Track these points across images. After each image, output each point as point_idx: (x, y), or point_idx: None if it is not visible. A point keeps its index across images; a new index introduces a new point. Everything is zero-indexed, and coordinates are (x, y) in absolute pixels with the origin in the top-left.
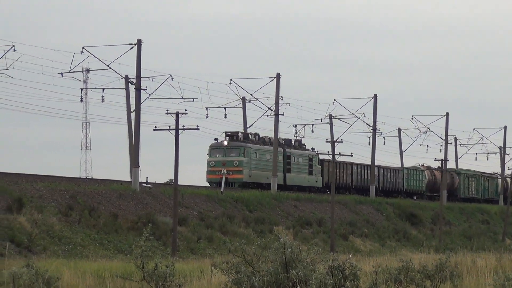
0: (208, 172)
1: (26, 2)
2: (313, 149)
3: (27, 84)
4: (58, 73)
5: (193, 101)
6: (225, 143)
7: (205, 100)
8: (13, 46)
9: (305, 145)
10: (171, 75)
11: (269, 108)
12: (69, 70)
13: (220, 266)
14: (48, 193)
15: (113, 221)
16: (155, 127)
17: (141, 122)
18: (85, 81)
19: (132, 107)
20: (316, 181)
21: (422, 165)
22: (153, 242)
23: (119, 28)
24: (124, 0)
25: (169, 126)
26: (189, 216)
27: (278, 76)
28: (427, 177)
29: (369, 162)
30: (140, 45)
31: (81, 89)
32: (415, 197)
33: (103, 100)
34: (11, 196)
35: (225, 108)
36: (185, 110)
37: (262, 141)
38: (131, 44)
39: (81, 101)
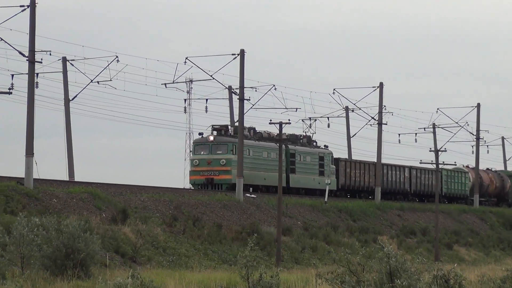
0: (191, 173)
1: (129, 14)
2: (326, 146)
3: (130, 95)
4: (161, 84)
5: (296, 111)
6: (211, 138)
7: (308, 109)
8: (117, 57)
9: (316, 142)
10: (274, 85)
11: (372, 118)
12: (173, 80)
13: (325, 276)
14: (153, 204)
15: (217, 231)
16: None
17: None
18: (188, 92)
19: (236, 117)
20: (329, 183)
21: (467, 166)
22: (258, 252)
23: (222, 39)
24: (228, 10)
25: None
26: (293, 226)
27: (381, 85)
28: (471, 180)
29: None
30: (243, 55)
31: (185, 100)
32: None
33: (206, 111)
34: (115, 207)
35: (328, 117)
36: (288, 120)
37: (260, 136)
38: (234, 54)
39: (185, 111)
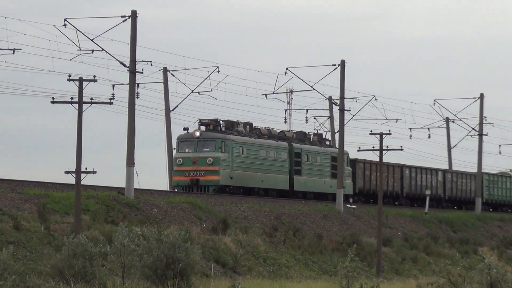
0: (174, 173)
1: (230, 24)
2: None
3: (231, 105)
4: (262, 94)
5: (396, 121)
6: (197, 134)
7: (409, 120)
8: (217, 67)
9: (329, 141)
10: (374, 96)
11: (473, 129)
12: (273, 91)
13: (425, 287)
14: (253, 214)
15: (317, 242)
16: (359, 147)
17: (344, 142)
18: (288, 102)
19: (336, 128)
20: (344, 187)
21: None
22: (358, 263)
23: (323, 49)
24: (328, 20)
25: (373, 147)
26: (393, 237)
27: (481, 96)
28: None
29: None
30: (344, 65)
31: (285, 110)
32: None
33: (306, 121)
34: (216, 217)
35: (428, 128)
36: (389, 130)
37: (257, 132)
38: (335, 65)
39: (285, 122)
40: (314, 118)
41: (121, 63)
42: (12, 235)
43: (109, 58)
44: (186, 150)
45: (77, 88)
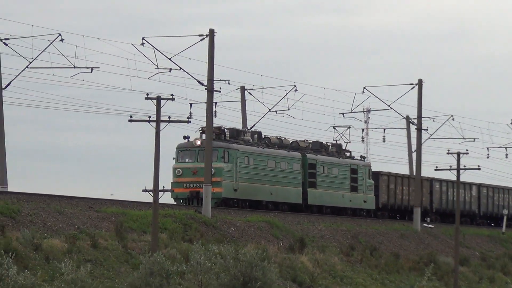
0: (173, 184)
1: (307, 44)
2: (362, 157)
3: (308, 124)
4: (339, 113)
5: (474, 141)
6: (198, 142)
7: (486, 140)
8: (295, 86)
9: (350, 153)
10: (452, 115)
11: None
12: (350, 110)
13: None
14: (330, 233)
15: (394, 261)
16: (436, 167)
17: (422, 162)
18: (366, 121)
19: (413, 147)
20: (365, 201)
21: None
22: (435, 283)
23: (400, 68)
24: (405, 40)
25: (450, 166)
26: (470, 256)
27: None
28: None
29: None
30: (421, 85)
31: (362, 129)
32: None
33: (384, 140)
34: (293, 236)
35: (505, 148)
36: (466, 150)
37: (267, 142)
38: (412, 84)
39: (362, 141)
40: (334, 128)
41: (199, 82)
42: (90, 253)
43: (187, 76)
44: (186, 160)
45: (155, 107)
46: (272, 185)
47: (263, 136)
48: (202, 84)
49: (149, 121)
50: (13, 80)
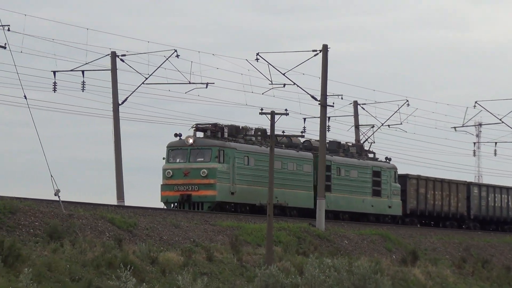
0: (163, 187)
1: (419, 58)
2: (388, 159)
3: (420, 138)
4: (451, 127)
5: None
6: (190, 141)
7: None
8: (407, 101)
9: (374, 154)
10: None
11: None
12: (462, 124)
13: None
14: (442, 246)
15: (506, 273)
16: None
17: None
18: (477, 135)
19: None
20: (390, 206)
21: None
22: None
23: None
24: None
25: None
26: None
27: None
28: None
29: None
30: None
31: (474, 143)
32: None
33: (495, 154)
34: (405, 249)
35: None
36: None
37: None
38: None
39: (474, 155)
40: (356, 127)
41: (312, 97)
42: (205, 266)
43: (300, 92)
44: (177, 160)
45: (269, 121)
46: (278, 188)
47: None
48: (315, 99)
49: (256, 136)
50: (129, 96)
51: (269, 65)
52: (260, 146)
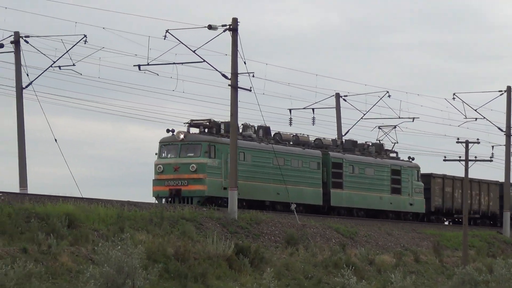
0: (154, 182)
1: None
2: (411, 158)
3: None
4: None
5: None
6: (181, 136)
7: None
8: None
9: (396, 153)
10: None
11: None
12: None
13: None
14: None
15: None
16: None
17: None
18: None
19: None
20: (412, 204)
21: None
22: None
23: None
24: None
25: None
26: None
27: None
28: None
29: None
30: None
31: None
32: None
33: None
34: None
35: None
36: None
37: (278, 138)
38: None
39: None
40: (379, 128)
41: (499, 129)
42: (413, 266)
43: (489, 124)
44: (168, 156)
45: (464, 149)
46: (280, 184)
47: (272, 132)
48: (502, 130)
49: (459, 160)
50: (350, 129)
51: (464, 103)
52: (260, 143)
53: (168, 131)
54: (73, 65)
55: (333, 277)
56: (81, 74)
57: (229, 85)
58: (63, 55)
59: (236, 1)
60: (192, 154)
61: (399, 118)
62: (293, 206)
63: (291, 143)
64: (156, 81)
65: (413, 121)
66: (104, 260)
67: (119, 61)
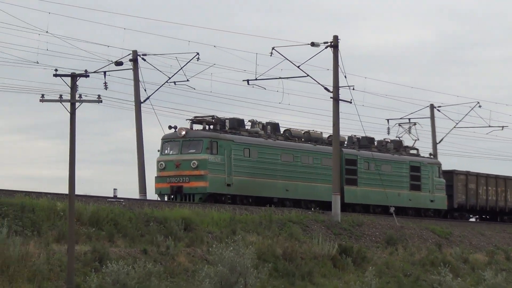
0: (156, 179)
1: None
2: (431, 155)
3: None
4: None
5: None
6: (183, 132)
7: None
8: None
9: (417, 150)
10: None
11: None
12: None
13: None
14: None
15: None
16: None
17: None
18: None
19: None
20: (432, 200)
21: None
22: None
23: None
24: None
25: None
26: None
27: None
28: None
29: None
30: None
31: None
32: None
33: None
34: None
35: None
36: None
37: (288, 134)
38: None
39: None
40: (399, 125)
41: None
42: (504, 264)
43: None
44: (170, 152)
45: None
46: (288, 181)
47: (281, 129)
48: None
49: None
50: (443, 137)
51: None
52: (266, 139)
53: (170, 127)
54: (187, 80)
55: (430, 275)
56: (194, 89)
57: (331, 97)
58: (178, 71)
59: (336, 19)
60: (193, 151)
61: (489, 126)
62: (391, 209)
63: (296, 139)
64: (263, 94)
65: (502, 129)
66: (218, 260)
67: (230, 76)
